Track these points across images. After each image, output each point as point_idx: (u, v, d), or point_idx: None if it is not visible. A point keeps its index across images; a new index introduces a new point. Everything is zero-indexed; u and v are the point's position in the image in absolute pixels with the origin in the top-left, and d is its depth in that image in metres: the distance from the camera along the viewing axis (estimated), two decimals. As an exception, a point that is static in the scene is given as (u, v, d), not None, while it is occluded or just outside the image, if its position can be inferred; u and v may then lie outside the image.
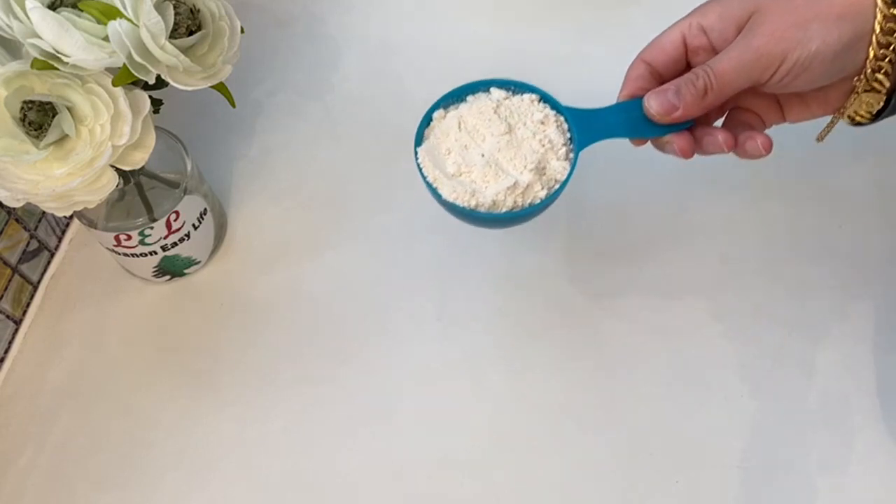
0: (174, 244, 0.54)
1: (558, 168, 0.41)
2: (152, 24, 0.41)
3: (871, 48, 0.37)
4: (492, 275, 0.56)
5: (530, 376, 0.52)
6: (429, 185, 0.41)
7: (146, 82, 0.43)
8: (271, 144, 0.64)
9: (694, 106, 0.39)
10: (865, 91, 0.39)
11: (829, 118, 0.42)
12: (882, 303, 0.52)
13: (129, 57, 0.41)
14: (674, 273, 0.55)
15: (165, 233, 0.53)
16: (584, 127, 0.41)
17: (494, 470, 0.49)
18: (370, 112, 0.64)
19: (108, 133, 0.43)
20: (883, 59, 0.37)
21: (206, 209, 0.55)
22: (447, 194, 0.40)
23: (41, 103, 0.42)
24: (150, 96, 0.45)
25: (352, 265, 0.57)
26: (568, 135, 0.42)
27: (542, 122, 0.41)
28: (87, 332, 0.56)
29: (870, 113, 0.40)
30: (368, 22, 0.70)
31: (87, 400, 0.54)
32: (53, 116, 0.42)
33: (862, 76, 0.38)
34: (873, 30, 0.37)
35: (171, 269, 0.56)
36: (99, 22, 0.41)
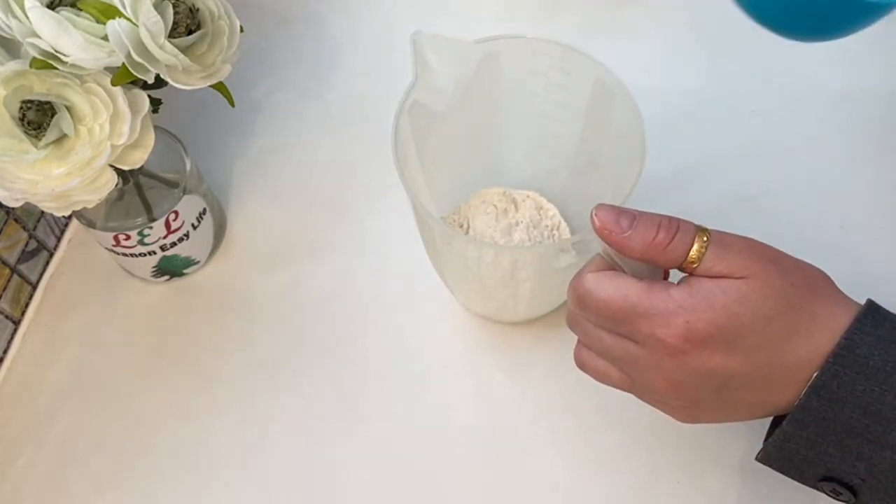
0: (173, 244, 0.54)
1: None
2: (151, 24, 0.41)
3: None
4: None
5: (532, 375, 0.52)
6: None
7: (145, 81, 0.43)
8: (271, 144, 0.64)
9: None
10: None
11: None
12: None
13: (128, 56, 0.41)
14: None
15: (164, 233, 0.53)
16: None
17: (494, 470, 0.49)
18: (370, 112, 0.64)
19: (107, 132, 0.43)
20: None
21: (205, 209, 0.55)
22: None
23: (40, 103, 0.42)
24: (149, 96, 0.45)
25: (351, 265, 0.57)
26: None
27: None
28: (87, 332, 0.56)
29: None
30: (368, 21, 0.70)
31: (86, 400, 0.53)
32: (52, 116, 0.42)
33: None
34: None
35: (170, 268, 0.56)
36: (98, 21, 0.41)
